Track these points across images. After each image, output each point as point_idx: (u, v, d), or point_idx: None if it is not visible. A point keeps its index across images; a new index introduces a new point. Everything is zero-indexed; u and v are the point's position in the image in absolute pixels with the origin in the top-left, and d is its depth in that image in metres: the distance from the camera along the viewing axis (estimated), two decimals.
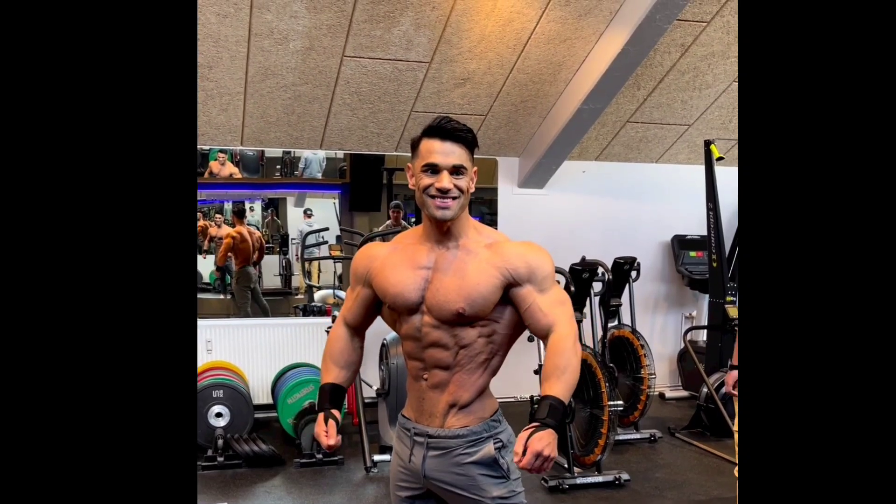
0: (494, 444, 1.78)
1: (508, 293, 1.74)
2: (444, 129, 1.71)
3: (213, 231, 5.86)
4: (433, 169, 1.70)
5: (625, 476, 4.08)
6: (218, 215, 5.88)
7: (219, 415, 4.44)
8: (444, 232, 1.76)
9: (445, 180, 1.69)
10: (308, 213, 6.07)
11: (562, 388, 1.65)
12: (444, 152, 1.70)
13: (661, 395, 5.98)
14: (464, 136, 1.72)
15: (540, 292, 1.73)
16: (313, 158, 5.70)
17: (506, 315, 1.77)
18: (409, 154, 1.80)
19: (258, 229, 5.99)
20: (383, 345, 4.50)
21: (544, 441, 1.58)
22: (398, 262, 1.81)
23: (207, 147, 5.26)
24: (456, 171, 1.70)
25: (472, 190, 1.77)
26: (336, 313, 5.43)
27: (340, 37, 4.18)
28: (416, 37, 4.25)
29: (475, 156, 1.77)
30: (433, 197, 1.70)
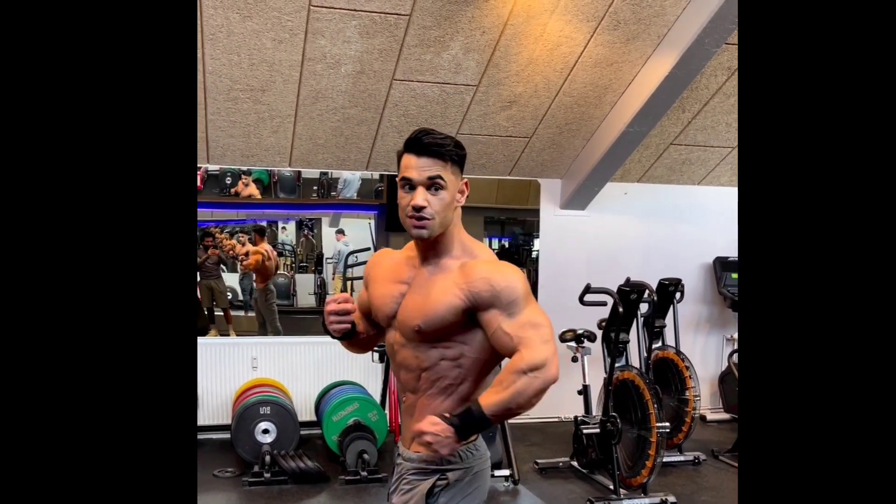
0: (439, 478, 1.68)
1: (476, 317, 1.62)
2: (420, 142, 1.61)
3: (238, 249, 5.98)
4: (409, 184, 1.62)
5: (671, 499, 4.06)
6: (243, 234, 6.00)
7: (265, 431, 4.51)
8: (426, 248, 1.69)
9: (419, 197, 1.60)
10: (341, 234, 6.16)
11: (491, 399, 1.55)
12: (420, 167, 1.60)
13: (703, 418, 5.93)
14: (439, 150, 1.60)
15: (508, 316, 1.59)
16: (352, 179, 5.78)
17: (476, 338, 1.65)
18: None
19: (286, 247, 6.10)
20: None
21: (433, 424, 1.54)
22: (386, 274, 1.79)
23: (246, 167, 5.38)
24: (433, 185, 1.60)
25: (461, 203, 1.68)
26: None
27: (391, 61, 4.26)
28: (465, 60, 4.32)
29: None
30: (409, 216, 1.62)
